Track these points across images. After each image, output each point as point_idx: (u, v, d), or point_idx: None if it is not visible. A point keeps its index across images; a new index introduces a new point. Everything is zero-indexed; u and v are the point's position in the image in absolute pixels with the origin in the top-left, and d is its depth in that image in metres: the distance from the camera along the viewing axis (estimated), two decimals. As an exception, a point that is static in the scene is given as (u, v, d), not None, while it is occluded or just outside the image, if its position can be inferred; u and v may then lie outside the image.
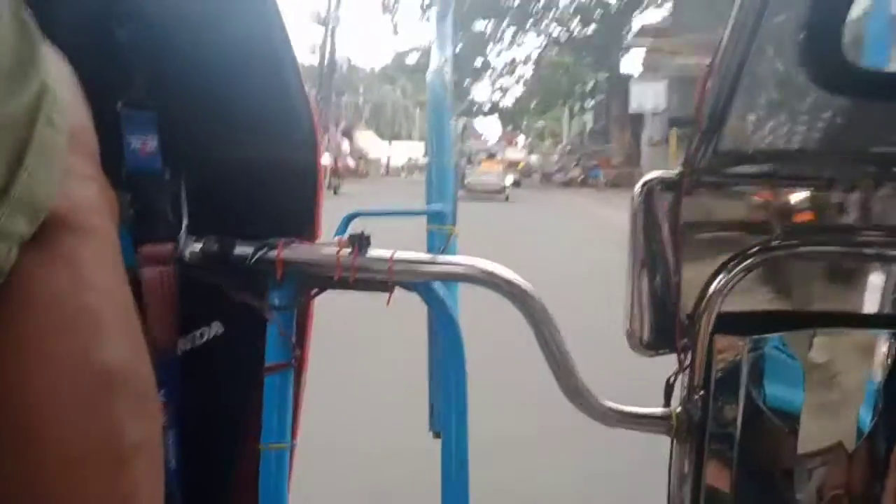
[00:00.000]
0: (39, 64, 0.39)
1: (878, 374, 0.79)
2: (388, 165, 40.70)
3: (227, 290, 0.75)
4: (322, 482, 2.21)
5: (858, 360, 0.81)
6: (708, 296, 0.78)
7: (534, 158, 39.13)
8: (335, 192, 16.99)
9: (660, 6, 30.05)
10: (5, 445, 0.37)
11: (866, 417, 0.80)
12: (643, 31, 27.80)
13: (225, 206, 0.79)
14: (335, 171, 18.43)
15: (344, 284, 0.75)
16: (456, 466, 0.80)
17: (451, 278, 0.78)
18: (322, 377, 1.22)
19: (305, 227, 0.80)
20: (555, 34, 32.45)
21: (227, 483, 0.86)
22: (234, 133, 0.79)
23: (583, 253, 7.92)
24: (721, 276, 0.78)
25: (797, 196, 0.80)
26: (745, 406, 0.78)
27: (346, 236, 0.76)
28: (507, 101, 36.93)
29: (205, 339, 0.81)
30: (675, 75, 21.53)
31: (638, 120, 25.69)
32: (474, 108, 35.72)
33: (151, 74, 0.72)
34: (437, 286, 0.78)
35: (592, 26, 30.95)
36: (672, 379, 0.81)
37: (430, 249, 0.86)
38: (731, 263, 0.79)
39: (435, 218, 0.88)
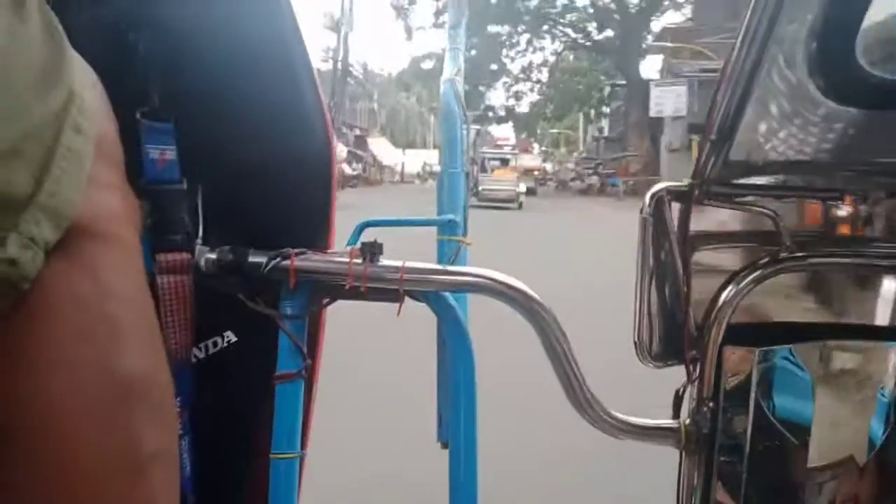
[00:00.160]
0: (67, 70, 0.40)
1: (890, 386, 0.80)
2: (402, 172, 40.71)
3: (241, 298, 0.77)
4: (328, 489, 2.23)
5: (869, 371, 0.82)
6: (717, 307, 0.80)
7: (549, 166, 39.01)
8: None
9: (680, 8, 29.89)
10: (24, 451, 0.38)
11: (878, 430, 0.81)
12: (663, 34, 27.68)
13: (239, 215, 0.81)
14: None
15: (355, 294, 0.77)
16: (464, 477, 0.82)
17: (461, 289, 0.80)
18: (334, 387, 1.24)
19: (319, 236, 0.82)
20: (572, 37, 32.32)
21: (239, 492, 0.87)
22: (248, 142, 0.80)
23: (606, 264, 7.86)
24: (731, 287, 0.80)
25: (808, 207, 0.81)
26: (754, 418, 0.79)
27: (357, 245, 0.78)
28: (523, 108, 36.84)
29: (218, 347, 0.82)
30: (696, 79, 21.41)
31: (656, 126, 25.55)
32: (489, 115, 35.63)
33: (168, 83, 0.73)
34: (447, 296, 0.80)
35: (610, 31, 30.82)
36: (681, 391, 0.82)
37: (440, 260, 0.88)
38: (741, 274, 0.80)
39: (446, 228, 0.90)
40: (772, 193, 0.83)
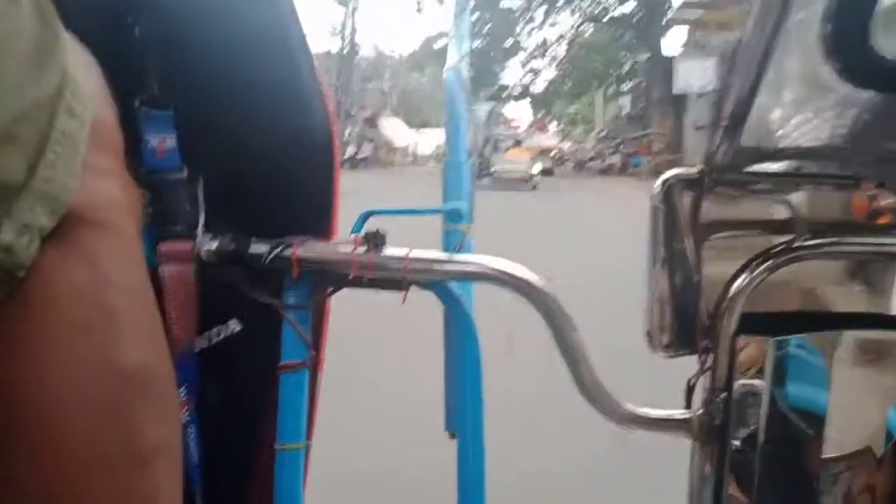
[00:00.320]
0: (60, 52, 0.39)
1: (907, 376, 0.80)
2: (415, 154, 40.59)
3: (243, 288, 0.78)
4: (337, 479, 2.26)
5: (885, 361, 0.82)
6: (730, 296, 0.80)
7: (567, 145, 38.72)
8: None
9: (705, -24, 29.27)
10: (23, 445, 0.38)
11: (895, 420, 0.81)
12: (688, 4, 27.16)
13: (240, 204, 0.81)
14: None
15: (359, 283, 0.78)
16: (472, 467, 0.83)
17: (466, 277, 0.81)
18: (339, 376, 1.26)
19: (321, 223, 0.82)
20: (589, 10, 31.89)
21: (244, 483, 0.88)
22: (246, 127, 0.80)
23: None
24: (744, 276, 0.80)
25: (822, 194, 0.81)
26: (768, 408, 0.80)
27: (361, 234, 0.78)
28: (539, 86, 36.49)
29: (221, 336, 0.83)
30: (724, 51, 20.99)
31: (680, 103, 25.22)
32: (504, 94, 35.34)
33: (166, 69, 0.74)
34: (453, 285, 0.81)
35: (630, 2, 30.34)
36: (693, 381, 0.83)
37: (445, 248, 0.89)
38: (754, 263, 0.80)
39: (451, 216, 0.91)
40: (785, 180, 0.83)
